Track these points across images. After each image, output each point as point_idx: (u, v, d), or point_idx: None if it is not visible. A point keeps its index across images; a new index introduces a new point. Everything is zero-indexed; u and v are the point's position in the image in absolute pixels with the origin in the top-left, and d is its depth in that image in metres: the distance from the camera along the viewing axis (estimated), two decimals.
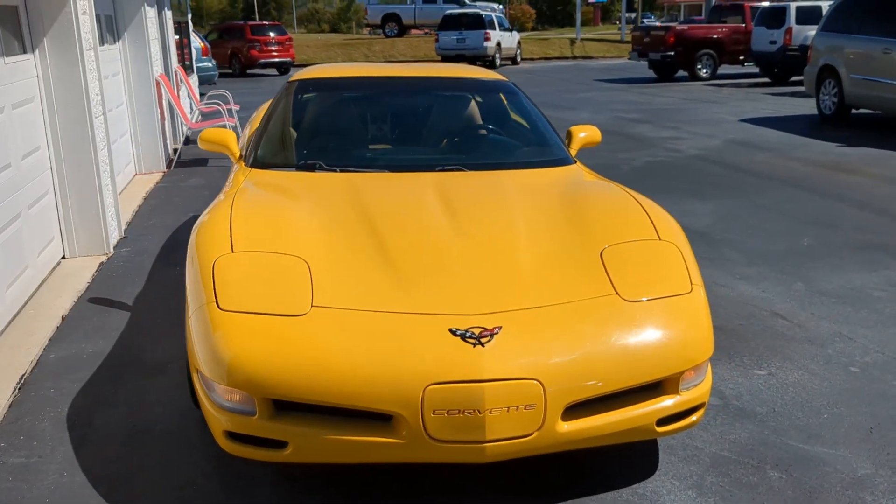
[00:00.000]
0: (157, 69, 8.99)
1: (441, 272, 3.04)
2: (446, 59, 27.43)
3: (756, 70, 20.90)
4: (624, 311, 2.92)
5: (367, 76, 4.83)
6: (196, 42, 19.18)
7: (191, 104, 11.36)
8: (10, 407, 3.54)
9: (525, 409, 2.66)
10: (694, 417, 2.97)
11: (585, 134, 4.72)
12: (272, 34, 26.22)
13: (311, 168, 4.05)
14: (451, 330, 2.74)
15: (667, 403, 2.88)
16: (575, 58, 32.91)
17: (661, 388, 2.89)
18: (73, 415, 3.44)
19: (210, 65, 19.34)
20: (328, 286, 2.96)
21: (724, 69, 22.69)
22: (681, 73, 21.47)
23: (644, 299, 2.98)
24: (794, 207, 7.08)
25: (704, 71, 20.76)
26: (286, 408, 2.74)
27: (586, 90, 18.99)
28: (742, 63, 20.99)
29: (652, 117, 13.47)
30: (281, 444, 2.71)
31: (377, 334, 2.75)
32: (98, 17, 7.70)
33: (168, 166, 9.12)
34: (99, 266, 5.47)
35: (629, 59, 23.49)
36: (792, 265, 5.47)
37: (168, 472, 3.03)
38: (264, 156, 4.22)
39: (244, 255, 3.08)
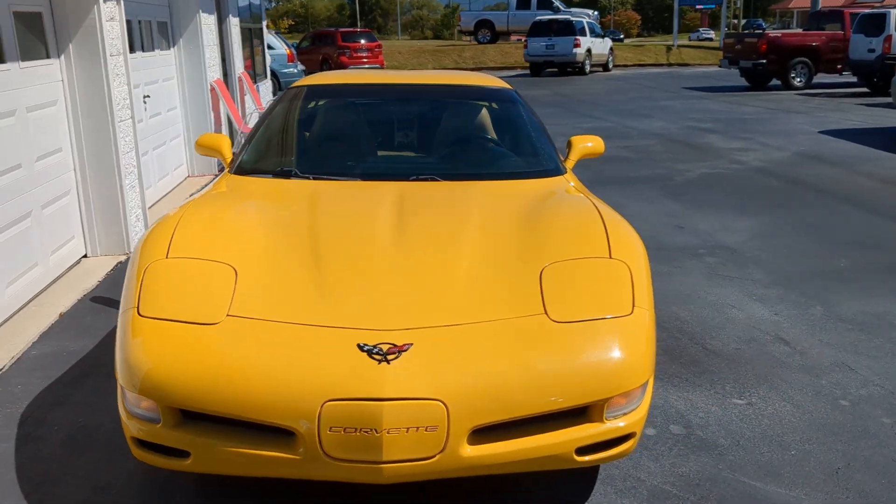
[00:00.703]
0: (214, 74, 9.21)
1: (368, 285, 2.96)
2: (535, 65, 27.24)
3: (855, 79, 19.91)
4: (549, 332, 2.78)
5: (365, 83, 4.79)
6: (281, 48, 19.67)
7: (256, 109, 11.60)
8: None
9: (426, 430, 2.55)
10: (622, 447, 2.79)
11: (588, 144, 4.56)
12: (362, 41, 26.62)
13: (287, 175, 4.04)
14: (359, 345, 2.66)
15: (588, 432, 2.71)
16: (670, 65, 32.14)
17: (583, 414, 2.74)
18: (28, 412, 3.53)
19: (295, 70, 19.75)
20: (250, 296, 2.92)
21: (822, 78, 21.72)
22: (775, 81, 20.67)
23: (573, 321, 2.82)
24: (841, 226, 6.67)
25: (798, 80, 19.91)
26: (194, 417, 2.71)
27: (670, 98, 18.49)
28: (839, 72, 20.05)
29: (727, 127, 12.99)
30: (183, 454, 2.69)
31: (285, 347, 2.69)
32: (150, 22, 7.95)
33: (221, 169, 9.33)
34: (115, 265, 5.62)
35: (720, 66, 22.75)
36: (817, 287, 5.13)
37: (92, 475, 3.06)
38: (247, 162, 4.23)
39: (176, 262, 3.07)
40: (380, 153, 4.46)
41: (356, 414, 2.52)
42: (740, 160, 9.89)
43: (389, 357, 2.63)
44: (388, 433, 2.52)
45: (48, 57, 5.35)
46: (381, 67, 26.65)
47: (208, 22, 9.12)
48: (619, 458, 2.83)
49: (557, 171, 4.18)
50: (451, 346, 2.70)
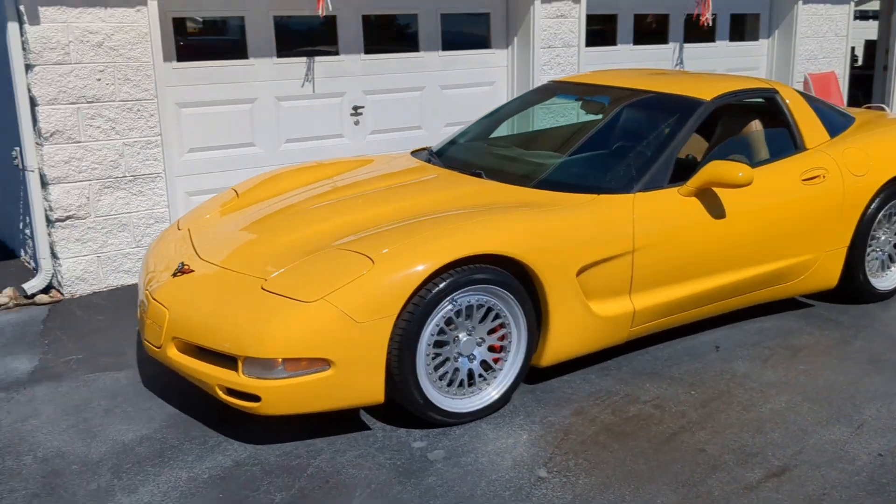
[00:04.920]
0: (810, 67, 8.79)
1: (252, 231, 3.95)
2: None
3: None
4: (249, 292, 3.43)
5: (583, 83, 4.91)
6: None
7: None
8: None
9: (158, 327, 3.60)
10: (251, 404, 3.24)
11: (718, 171, 3.94)
12: None
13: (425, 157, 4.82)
14: (181, 262, 3.81)
15: (227, 377, 3.30)
16: None
17: (233, 362, 3.30)
18: None
19: None
20: (213, 219, 4.24)
21: None
22: None
23: (270, 291, 3.37)
24: None
25: None
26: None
27: None
28: None
29: None
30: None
31: (169, 253, 4.02)
32: (744, 16, 8.41)
33: None
34: None
35: None
36: None
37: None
38: (442, 142, 5.08)
39: (230, 191, 4.55)
40: (511, 150, 4.67)
41: (146, 302, 3.76)
42: None
43: (178, 274, 3.74)
44: (148, 319, 3.68)
45: (490, 48, 6.81)
46: None
47: (813, 11, 8.71)
48: (255, 413, 3.27)
49: (609, 190, 3.94)
50: (206, 278, 3.65)
